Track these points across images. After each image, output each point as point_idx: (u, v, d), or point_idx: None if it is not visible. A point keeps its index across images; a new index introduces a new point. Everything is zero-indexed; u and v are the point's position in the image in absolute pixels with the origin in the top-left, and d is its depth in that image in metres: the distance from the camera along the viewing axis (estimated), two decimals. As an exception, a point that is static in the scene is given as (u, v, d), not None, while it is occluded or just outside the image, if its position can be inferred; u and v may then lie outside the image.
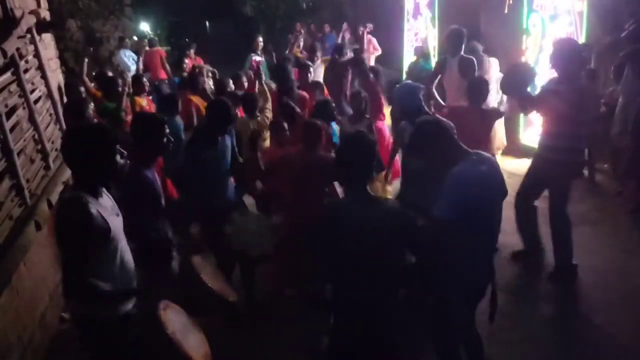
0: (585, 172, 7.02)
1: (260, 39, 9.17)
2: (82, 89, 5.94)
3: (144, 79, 7.11)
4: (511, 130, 7.86)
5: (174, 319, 2.73)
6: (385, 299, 2.63)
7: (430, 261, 2.74)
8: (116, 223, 2.60)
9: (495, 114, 5.42)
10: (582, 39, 6.80)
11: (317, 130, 4.31)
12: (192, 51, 10.60)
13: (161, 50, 10.85)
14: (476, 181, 2.86)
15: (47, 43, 5.46)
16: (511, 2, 7.89)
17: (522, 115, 7.92)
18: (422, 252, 2.71)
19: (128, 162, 2.87)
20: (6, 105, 3.95)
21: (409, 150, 3.37)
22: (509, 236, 5.05)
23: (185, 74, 8.96)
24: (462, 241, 2.86)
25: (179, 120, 5.71)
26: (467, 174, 2.86)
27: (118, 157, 2.56)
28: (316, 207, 3.96)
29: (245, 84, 7.00)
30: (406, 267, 2.76)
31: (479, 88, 5.06)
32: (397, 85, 4.97)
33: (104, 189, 2.65)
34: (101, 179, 2.60)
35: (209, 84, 7.87)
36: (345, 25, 12.81)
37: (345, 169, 2.67)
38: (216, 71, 8.93)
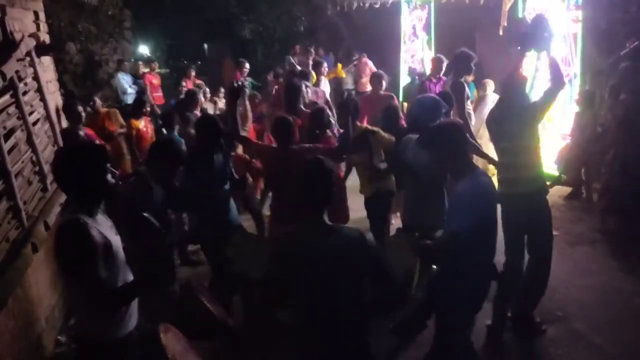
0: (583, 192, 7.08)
1: (247, 65, 9.04)
2: (80, 108, 5.97)
3: (147, 106, 7.22)
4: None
5: (174, 343, 2.72)
6: (348, 330, 2.44)
7: (397, 289, 2.58)
8: (116, 240, 2.59)
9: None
10: (577, 61, 6.88)
11: (288, 125, 4.31)
12: (192, 73, 10.67)
13: (151, 76, 10.93)
14: (487, 192, 2.99)
15: (46, 66, 5.49)
16: (505, 24, 7.98)
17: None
18: (385, 280, 2.51)
19: (120, 182, 2.86)
20: (4, 127, 3.95)
21: (425, 143, 3.33)
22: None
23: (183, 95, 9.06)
24: (479, 252, 2.97)
25: (176, 136, 5.75)
26: (479, 186, 2.96)
27: (109, 176, 2.56)
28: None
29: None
30: (369, 297, 2.53)
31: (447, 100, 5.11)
32: (419, 97, 4.95)
33: (100, 210, 2.65)
34: (93, 199, 2.58)
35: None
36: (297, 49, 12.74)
37: (303, 196, 2.51)
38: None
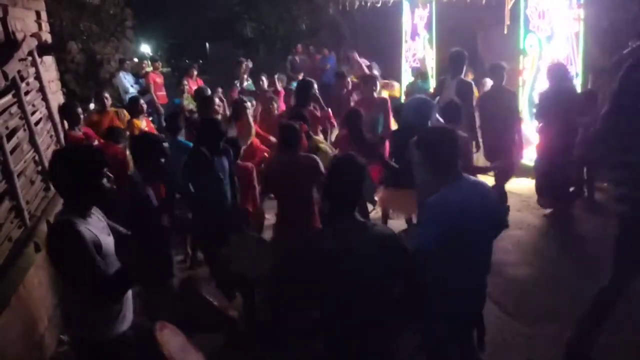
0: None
1: (247, 63, 8.93)
2: (80, 110, 5.96)
3: (142, 101, 7.18)
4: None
5: (171, 340, 2.72)
6: (375, 328, 2.50)
7: (418, 289, 2.62)
8: (107, 242, 2.61)
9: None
10: (579, 60, 6.87)
11: (293, 131, 4.30)
12: (195, 72, 10.66)
13: (154, 75, 10.94)
14: (457, 208, 2.79)
15: (48, 65, 5.50)
16: (509, 22, 7.97)
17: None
18: (410, 278, 2.57)
19: (114, 186, 2.87)
20: (7, 127, 3.96)
21: (418, 145, 3.29)
22: (510, 254, 5.06)
23: (186, 95, 9.06)
24: (445, 270, 2.81)
25: (181, 139, 5.73)
26: (447, 201, 2.82)
27: (105, 180, 2.57)
28: (306, 215, 4.09)
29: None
30: (396, 295, 2.60)
31: (453, 109, 5.10)
32: (409, 100, 4.92)
33: (95, 211, 2.66)
34: (87, 202, 2.60)
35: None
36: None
37: (332, 193, 2.55)
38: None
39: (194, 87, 9.34)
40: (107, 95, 7.14)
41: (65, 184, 2.55)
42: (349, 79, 7.57)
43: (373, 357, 2.58)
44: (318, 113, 6.49)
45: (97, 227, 2.59)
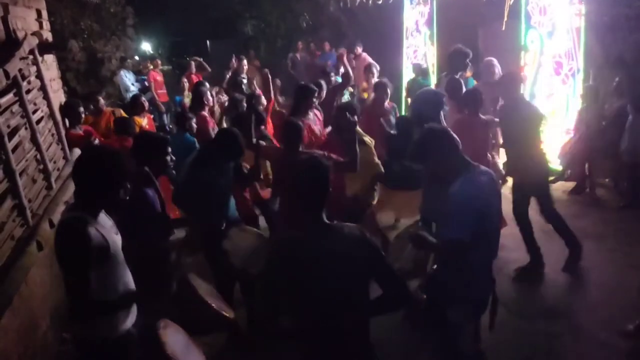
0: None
1: (245, 61, 8.81)
2: (81, 109, 5.96)
3: (143, 98, 7.19)
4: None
5: (174, 338, 2.73)
6: (352, 333, 2.39)
7: (402, 289, 2.54)
8: (115, 241, 2.62)
9: (493, 123, 5.40)
10: (580, 56, 6.86)
11: (297, 129, 4.28)
12: (193, 69, 10.67)
13: (155, 73, 10.96)
14: (480, 195, 2.88)
15: (49, 64, 5.51)
16: (507, 19, 7.96)
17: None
18: (389, 280, 2.47)
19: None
20: (8, 126, 3.97)
21: (412, 157, 3.24)
22: (511, 252, 5.05)
23: (187, 92, 9.05)
24: (474, 257, 2.90)
25: (189, 137, 5.75)
26: (470, 190, 2.87)
27: (122, 192, 2.59)
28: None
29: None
30: (373, 298, 2.48)
31: (475, 97, 5.11)
32: (420, 91, 4.91)
33: (102, 211, 2.67)
34: (103, 205, 2.62)
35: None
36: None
37: (300, 196, 2.46)
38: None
39: (195, 81, 9.31)
40: (99, 97, 7.16)
41: (88, 183, 2.56)
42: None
43: None
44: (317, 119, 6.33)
45: (105, 226, 2.61)
